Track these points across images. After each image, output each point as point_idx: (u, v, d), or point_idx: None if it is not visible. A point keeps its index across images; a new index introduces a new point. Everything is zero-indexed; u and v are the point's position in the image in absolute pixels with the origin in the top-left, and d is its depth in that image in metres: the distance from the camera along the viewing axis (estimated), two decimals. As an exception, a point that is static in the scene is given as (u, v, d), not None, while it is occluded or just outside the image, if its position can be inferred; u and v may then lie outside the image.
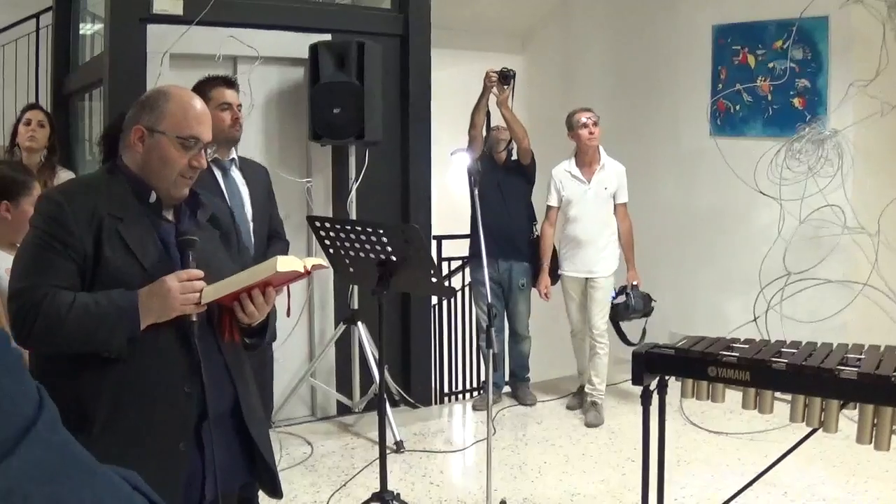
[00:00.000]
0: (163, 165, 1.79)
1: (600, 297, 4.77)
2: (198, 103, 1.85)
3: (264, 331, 1.95)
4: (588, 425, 4.65)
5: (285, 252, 3.72)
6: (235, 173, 3.60)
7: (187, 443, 1.74)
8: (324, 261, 1.95)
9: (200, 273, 1.75)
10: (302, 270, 1.82)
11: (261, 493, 2.09)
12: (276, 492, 1.95)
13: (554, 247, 4.98)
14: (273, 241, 3.69)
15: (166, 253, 1.79)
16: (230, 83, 3.64)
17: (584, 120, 4.76)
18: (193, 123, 1.81)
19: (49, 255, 1.69)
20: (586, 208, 4.78)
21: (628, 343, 4.65)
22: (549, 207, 4.90)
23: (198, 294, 1.73)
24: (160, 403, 1.72)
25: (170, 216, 1.85)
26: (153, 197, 1.81)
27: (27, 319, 1.66)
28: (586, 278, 4.81)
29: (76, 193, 1.77)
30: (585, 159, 4.82)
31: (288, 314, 2.06)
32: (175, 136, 1.79)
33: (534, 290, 5.04)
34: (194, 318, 1.74)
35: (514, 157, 4.98)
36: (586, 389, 4.84)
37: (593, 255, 4.78)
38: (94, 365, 1.69)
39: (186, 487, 1.75)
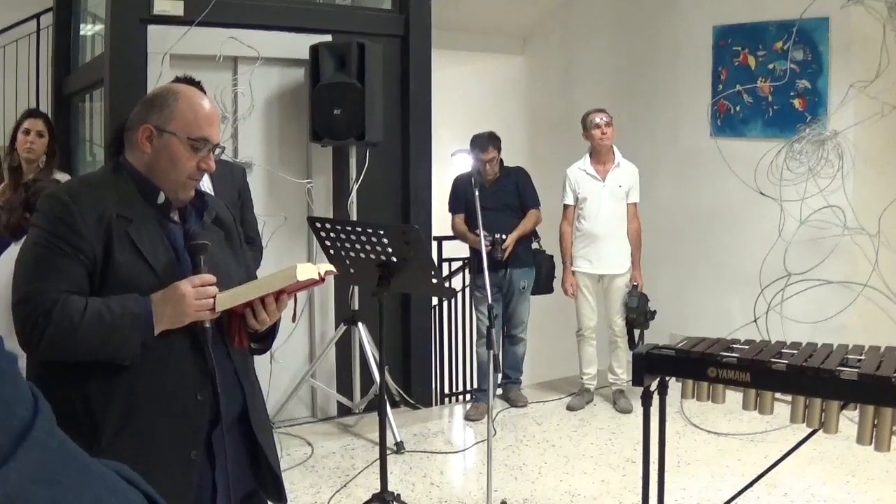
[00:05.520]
0: (172, 167, 1.74)
1: (617, 294, 4.90)
2: (206, 103, 1.79)
3: (271, 336, 1.92)
4: (621, 411, 4.84)
5: (257, 260, 3.63)
6: (204, 178, 3.54)
7: (199, 451, 1.70)
8: (332, 267, 1.93)
9: (213, 278, 1.70)
10: (317, 278, 1.78)
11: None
12: (280, 497, 1.91)
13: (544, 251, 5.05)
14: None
15: (176, 257, 1.74)
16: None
17: (597, 120, 4.91)
18: (204, 124, 1.76)
19: (56, 258, 1.62)
20: (602, 205, 4.89)
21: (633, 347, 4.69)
22: (565, 206, 5.01)
23: (212, 300, 1.68)
24: (172, 411, 1.67)
25: (175, 217, 1.80)
26: (161, 198, 1.75)
27: (37, 327, 1.59)
28: (601, 275, 4.93)
29: (82, 193, 1.69)
30: (600, 158, 4.95)
31: (293, 320, 2.04)
32: (186, 137, 1.74)
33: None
34: (207, 325, 1.70)
35: (497, 173, 4.91)
36: (610, 379, 5.02)
37: (609, 251, 4.89)
38: (104, 372, 1.63)
39: (197, 496, 1.70)
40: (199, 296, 1.67)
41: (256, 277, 1.93)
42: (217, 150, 1.82)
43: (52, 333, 1.59)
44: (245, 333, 1.81)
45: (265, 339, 1.92)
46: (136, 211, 1.71)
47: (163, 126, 1.73)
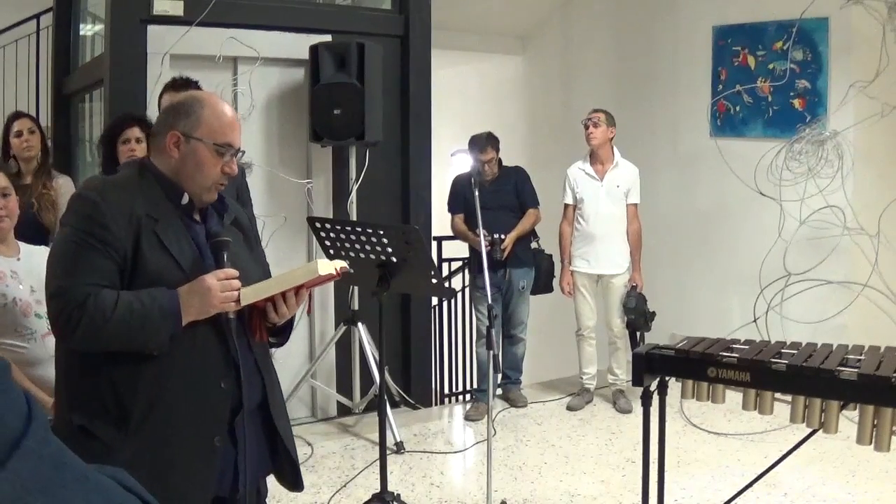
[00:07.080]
0: (198, 171, 1.84)
1: (615, 294, 4.90)
2: (229, 110, 1.90)
3: (288, 329, 2.00)
4: (621, 411, 4.85)
5: None
6: None
7: (222, 438, 1.78)
8: (347, 264, 2.00)
9: (236, 272, 1.80)
10: (335, 273, 1.88)
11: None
12: (297, 484, 2.00)
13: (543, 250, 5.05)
14: None
15: (200, 254, 1.83)
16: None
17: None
18: (228, 131, 1.87)
19: (88, 254, 1.71)
20: (599, 206, 4.89)
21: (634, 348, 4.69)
22: (565, 206, 5.02)
23: (236, 293, 1.77)
24: (196, 399, 1.75)
25: (197, 217, 1.90)
26: (185, 199, 1.85)
27: (71, 319, 1.68)
28: (599, 275, 4.93)
29: (111, 192, 1.78)
30: (598, 158, 4.95)
31: (309, 312, 2.12)
32: (212, 144, 1.84)
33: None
34: (232, 317, 1.79)
35: (496, 173, 4.91)
36: (609, 380, 5.03)
37: (606, 252, 4.89)
38: (131, 361, 1.72)
39: (219, 481, 1.79)
40: (223, 288, 1.76)
41: (271, 275, 2.02)
42: (239, 154, 1.92)
43: (87, 325, 1.67)
44: (265, 328, 1.90)
45: (282, 333, 2.01)
46: (161, 211, 1.81)
47: (190, 133, 1.83)
